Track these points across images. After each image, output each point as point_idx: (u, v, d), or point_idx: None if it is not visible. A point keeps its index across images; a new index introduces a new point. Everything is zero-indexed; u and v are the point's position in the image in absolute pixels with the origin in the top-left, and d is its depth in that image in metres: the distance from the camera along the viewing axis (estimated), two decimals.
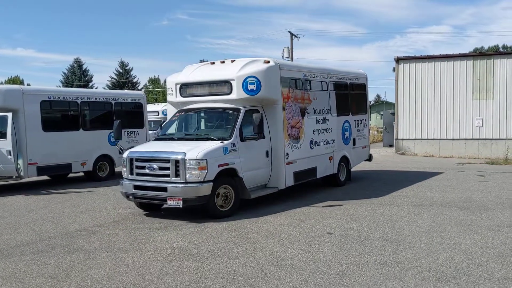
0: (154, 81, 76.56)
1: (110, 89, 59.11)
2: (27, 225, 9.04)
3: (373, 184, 13.18)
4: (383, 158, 20.40)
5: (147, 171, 9.11)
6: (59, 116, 14.79)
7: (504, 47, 69.69)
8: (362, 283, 5.54)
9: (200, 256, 6.68)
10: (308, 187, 12.42)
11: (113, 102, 15.94)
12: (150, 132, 19.93)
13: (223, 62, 10.68)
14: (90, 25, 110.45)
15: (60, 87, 54.66)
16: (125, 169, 9.50)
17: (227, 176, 9.24)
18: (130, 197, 9.42)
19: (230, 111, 9.93)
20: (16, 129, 13.11)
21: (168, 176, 8.87)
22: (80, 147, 14.65)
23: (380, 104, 63.02)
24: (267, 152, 10.18)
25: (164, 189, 8.85)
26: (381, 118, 37.35)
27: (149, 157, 9.18)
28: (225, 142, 9.25)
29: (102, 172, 15.50)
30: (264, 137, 10.01)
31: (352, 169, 13.57)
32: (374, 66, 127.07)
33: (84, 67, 67.51)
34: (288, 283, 5.59)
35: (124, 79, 66.96)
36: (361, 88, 14.16)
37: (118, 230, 8.36)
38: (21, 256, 6.95)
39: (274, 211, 9.63)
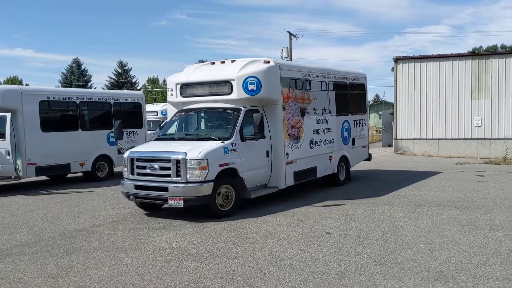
0: (153, 81, 76.54)
1: (109, 89, 59.08)
2: (26, 225, 9.04)
3: (372, 184, 13.19)
4: (382, 158, 20.41)
5: (148, 171, 9.12)
6: (57, 116, 14.76)
7: (502, 46, 69.82)
8: (361, 282, 5.54)
9: (199, 256, 6.68)
10: (308, 187, 12.42)
11: (112, 102, 15.92)
12: (149, 132, 19.94)
13: (223, 62, 10.70)
14: (89, 25, 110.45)
15: (58, 87, 54.66)
16: (126, 169, 9.51)
17: (228, 176, 9.25)
18: (131, 197, 9.43)
19: (230, 111, 9.95)
20: (15, 129, 13.10)
21: (169, 176, 8.88)
22: (79, 147, 14.63)
23: (379, 104, 63.09)
24: (267, 152, 10.19)
25: (165, 189, 8.86)
26: (380, 118, 37.40)
27: (150, 157, 9.20)
28: (226, 142, 9.26)
29: (101, 172, 15.48)
30: (264, 137, 10.03)
31: (351, 169, 13.59)
32: (373, 66, 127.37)
33: (83, 67, 67.59)
34: (287, 283, 5.59)
35: (123, 79, 66.95)
36: (360, 88, 14.18)
37: (117, 230, 8.36)
38: (20, 256, 6.94)
39: (273, 211, 9.63)
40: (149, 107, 25.76)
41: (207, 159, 8.75)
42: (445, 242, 7.09)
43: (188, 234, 7.92)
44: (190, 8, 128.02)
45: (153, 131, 24.37)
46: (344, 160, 12.99)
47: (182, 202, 8.69)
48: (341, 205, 10.13)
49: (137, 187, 9.25)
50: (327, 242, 7.22)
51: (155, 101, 55.75)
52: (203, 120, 10.89)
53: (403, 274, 5.77)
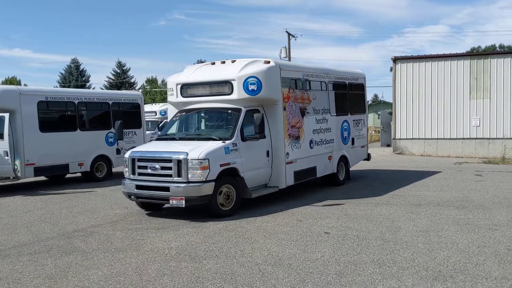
0: (152, 81, 76.53)
1: (107, 89, 59.05)
2: (24, 225, 9.02)
3: (371, 184, 13.19)
4: (380, 158, 20.42)
5: (149, 171, 9.13)
6: (56, 116, 14.73)
7: (501, 46, 69.88)
8: (360, 282, 5.54)
9: (198, 256, 6.67)
10: (307, 187, 12.43)
11: (110, 102, 15.91)
12: (147, 132, 19.93)
13: (223, 62, 10.71)
14: (87, 26, 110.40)
15: (57, 87, 54.62)
16: (127, 169, 9.52)
17: (229, 175, 9.28)
18: (132, 197, 9.45)
19: (231, 111, 9.96)
20: (13, 129, 13.07)
21: (170, 176, 8.89)
22: (78, 147, 14.62)
23: (378, 103, 63.20)
24: (267, 152, 10.21)
25: (167, 189, 8.87)
26: (378, 118, 37.40)
27: (151, 157, 9.22)
28: (227, 142, 9.28)
29: (100, 173, 15.46)
30: (264, 137, 10.06)
31: (351, 169, 13.60)
32: (372, 66, 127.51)
33: (81, 67, 67.51)
34: (286, 283, 5.59)
35: (121, 80, 66.89)
36: (359, 88, 14.19)
37: (116, 231, 8.35)
38: (19, 257, 6.93)
39: (272, 210, 9.64)
40: (147, 107, 25.81)
41: (208, 159, 8.76)
42: (443, 242, 7.10)
43: (187, 234, 7.92)
44: (189, 8, 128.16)
45: (151, 131, 24.37)
46: (343, 160, 13.01)
47: (184, 202, 8.70)
48: (340, 204, 10.14)
49: (138, 187, 9.26)
50: (326, 242, 7.22)
51: (153, 101, 55.70)
52: (203, 120, 10.90)
53: (401, 274, 5.77)
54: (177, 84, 10.74)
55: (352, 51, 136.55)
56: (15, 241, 7.88)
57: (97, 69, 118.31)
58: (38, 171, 13.76)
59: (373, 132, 39.92)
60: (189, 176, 8.73)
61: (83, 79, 66.24)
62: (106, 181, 14.92)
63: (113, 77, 67.60)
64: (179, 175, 8.81)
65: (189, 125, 10.78)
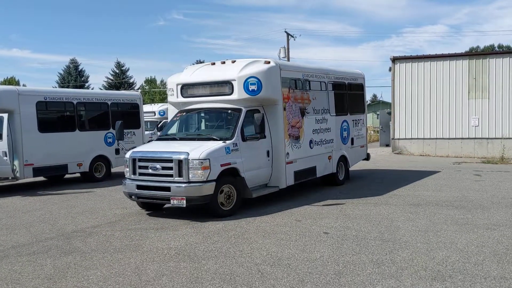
0: (151, 82, 76.44)
1: (106, 89, 59.02)
2: (23, 226, 9.02)
3: (370, 184, 13.20)
4: (379, 158, 20.43)
5: (150, 171, 9.14)
6: (55, 117, 14.73)
7: (499, 46, 69.98)
8: (359, 282, 5.54)
9: (197, 257, 6.67)
10: (307, 187, 12.43)
11: (109, 102, 15.91)
12: (146, 132, 19.94)
13: (223, 62, 10.73)
14: (86, 26, 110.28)
15: (56, 87, 54.61)
16: (127, 169, 9.53)
17: (229, 175, 9.29)
18: (133, 197, 9.46)
19: (231, 111, 9.98)
20: (12, 130, 13.06)
21: (171, 176, 8.90)
22: (76, 148, 14.61)
23: (377, 103, 63.21)
24: (268, 152, 10.23)
25: (167, 189, 8.89)
26: (377, 118, 37.45)
27: (152, 157, 9.23)
28: (227, 142, 9.30)
29: (99, 173, 15.45)
30: (265, 137, 10.08)
31: (350, 168, 13.62)
32: (370, 65, 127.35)
33: (80, 67, 67.47)
34: (285, 283, 5.59)
35: (120, 80, 66.85)
36: (358, 88, 14.21)
37: (115, 231, 8.35)
38: (17, 257, 6.93)
39: (271, 211, 9.64)
40: (146, 108, 25.80)
41: (209, 159, 8.78)
42: (442, 242, 7.10)
43: (186, 235, 7.91)
44: (187, 8, 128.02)
45: (150, 132, 24.36)
46: (343, 159, 13.03)
47: (185, 201, 8.71)
48: (339, 204, 10.14)
49: (139, 187, 9.27)
50: (325, 242, 7.23)
51: (152, 101, 55.69)
52: (204, 120, 10.92)
53: (400, 274, 5.77)
54: (177, 84, 10.75)
55: (351, 51, 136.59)
56: (14, 241, 7.87)
57: (96, 69, 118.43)
58: (37, 171, 13.75)
59: (372, 132, 39.96)
60: (190, 176, 8.75)
61: (82, 79, 66.22)
62: (105, 182, 14.91)
63: (112, 78, 67.56)
64: (180, 175, 8.82)
65: (190, 125, 10.80)
